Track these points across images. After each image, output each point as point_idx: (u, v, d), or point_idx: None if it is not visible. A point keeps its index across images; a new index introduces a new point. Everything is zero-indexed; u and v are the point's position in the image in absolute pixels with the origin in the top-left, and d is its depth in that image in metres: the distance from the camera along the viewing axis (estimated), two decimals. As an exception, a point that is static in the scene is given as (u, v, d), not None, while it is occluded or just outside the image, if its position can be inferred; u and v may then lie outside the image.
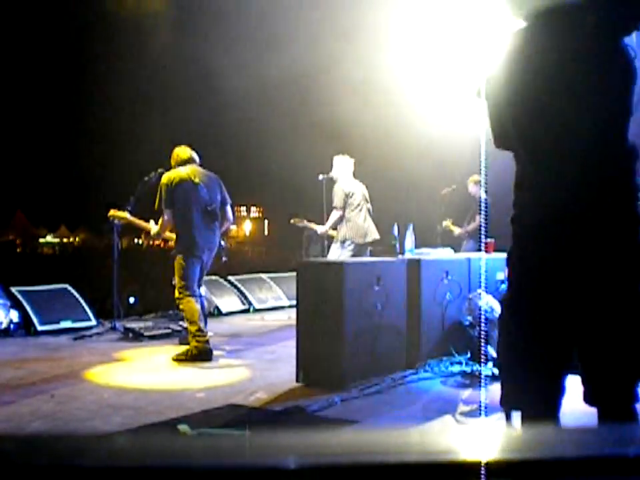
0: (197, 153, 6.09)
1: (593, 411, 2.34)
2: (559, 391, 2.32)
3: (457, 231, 9.21)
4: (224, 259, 6.15)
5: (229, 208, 6.11)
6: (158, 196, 5.85)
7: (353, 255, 6.91)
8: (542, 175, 2.32)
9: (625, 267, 2.24)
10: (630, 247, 2.24)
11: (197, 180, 5.84)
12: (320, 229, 7.39)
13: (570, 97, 2.27)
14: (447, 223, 9.34)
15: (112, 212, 6.41)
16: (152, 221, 6.13)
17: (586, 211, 2.25)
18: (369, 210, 7.19)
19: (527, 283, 2.36)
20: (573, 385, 2.32)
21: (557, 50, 2.29)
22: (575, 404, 2.33)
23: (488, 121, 2.43)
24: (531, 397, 2.31)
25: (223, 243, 6.13)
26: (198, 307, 5.75)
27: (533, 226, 2.35)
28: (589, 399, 2.29)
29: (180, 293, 5.75)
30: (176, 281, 5.80)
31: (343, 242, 7.02)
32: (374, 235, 7.11)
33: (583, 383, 2.31)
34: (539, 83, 2.30)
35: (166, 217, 5.81)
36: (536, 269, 2.32)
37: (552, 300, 2.30)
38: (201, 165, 6.07)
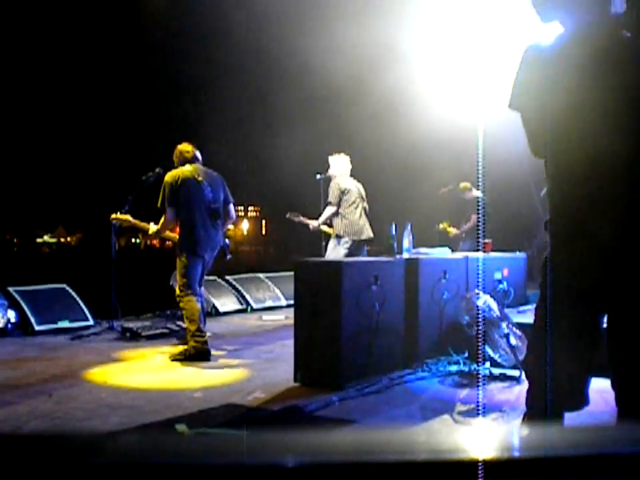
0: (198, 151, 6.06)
1: (591, 410, 2.35)
2: (586, 393, 2.36)
3: (454, 232, 9.23)
4: (228, 256, 6.14)
5: (231, 207, 6.11)
6: (161, 194, 5.82)
7: (349, 252, 6.92)
8: (575, 187, 2.33)
9: None
10: None
11: (200, 179, 5.82)
12: (313, 223, 7.41)
13: (604, 116, 2.25)
14: (443, 225, 9.35)
15: (114, 215, 6.36)
16: (152, 223, 6.09)
17: (622, 220, 2.25)
18: (365, 209, 7.20)
19: (568, 289, 2.35)
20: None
21: (593, 69, 2.26)
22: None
23: (524, 130, 2.43)
24: (562, 399, 2.34)
25: (227, 241, 6.14)
26: (198, 305, 5.74)
27: (574, 234, 2.34)
28: (616, 400, 2.32)
29: (181, 291, 5.74)
30: (177, 279, 5.79)
31: (339, 237, 7.04)
32: (369, 233, 7.13)
33: (612, 385, 2.34)
34: (573, 100, 2.28)
35: (168, 216, 5.77)
36: (576, 276, 2.33)
37: (592, 301, 2.32)
38: (203, 164, 6.05)
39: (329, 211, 7.09)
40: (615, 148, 2.23)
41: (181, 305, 5.76)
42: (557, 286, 2.38)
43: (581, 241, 2.32)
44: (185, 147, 6.01)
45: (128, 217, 6.31)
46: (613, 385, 2.34)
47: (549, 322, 2.40)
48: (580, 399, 2.37)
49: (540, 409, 2.40)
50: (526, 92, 2.36)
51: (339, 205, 7.04)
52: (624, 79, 2.23)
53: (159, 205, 5.83)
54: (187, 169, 5.86)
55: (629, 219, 2.25)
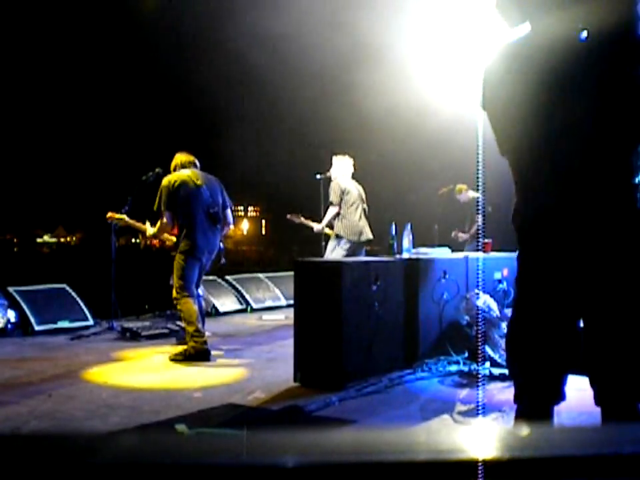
0: (196, 156, 6.07)
1: (591, 410, 2.35)
2: (563, 383, 2.37)
3: (463, 237, 9.21)
4: (222, 261, 6.15)
5: (229, 211, 6.12)
6: (158, 197, 5.82)
7: (348, 254, 6.92)
8: (540, 180, 2.35)
9: (626, 261, 2.26)
10: (631, 244, 2.26)
11: (199, 182, 5.82)
12: (316, 226, 7.41)
13: (560, 116, 2.28)
14: (456, 233, 9.30)
15: (110, 214, 6.34)
16: (147, 223, 6.10)
17: (585, 206, 2.26)
18: (364, 210, 7.20)
19: (536, 282, 2.38)
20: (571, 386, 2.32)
21: (550, 67, 2.29)
22: (571, 404, 2.33)
23: (492, 130, 2.46)
24: (539, 394, 2.35)
25: (222, 245, 6.13)
26: (196, 307, 5.74)
27: (537, 227, 2.37)
28: (596, 399, 2.32)
29: (178, 293, 5.75)
30: (174, 280, 5.80)
31: (338, 238, 7.04)
32: (368, 234, 7.13)
33: (591, 383, 2.34)
34: (531, 101, 2.31)
35: (165, 219, 5.77)
36: (543, 268, 2.35)
37: (562, 293, 2.34)
38: (201, 169, 6.06)
39: (332, 211, 7.09)
40: (573, 146, 2.27)
41: (178, 307, 5.78)
42: (529, 283, 2.40)
43: (550, 239, 2.33)
44: (183, 156, 6.03)
45: (124, 217, 6.28)
46: (592, 384, 2.35)
47: (524, 319, 2.42)
48: (556, 395, 2.38)
49: (524, 404, 2.41)
50: (494, 93, 2.39)
51: (340, 205, 7.04)
52: (579, 80, 2.26)
53: (155, 207, 5.82)
54: (184, 173, 5.86)
55: (592, 215, 2.26)
